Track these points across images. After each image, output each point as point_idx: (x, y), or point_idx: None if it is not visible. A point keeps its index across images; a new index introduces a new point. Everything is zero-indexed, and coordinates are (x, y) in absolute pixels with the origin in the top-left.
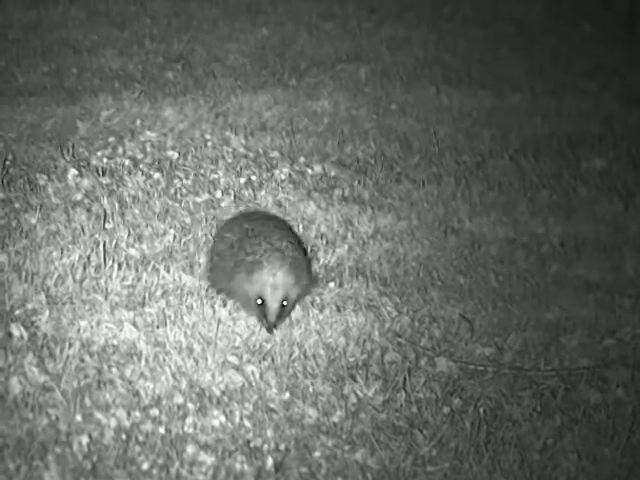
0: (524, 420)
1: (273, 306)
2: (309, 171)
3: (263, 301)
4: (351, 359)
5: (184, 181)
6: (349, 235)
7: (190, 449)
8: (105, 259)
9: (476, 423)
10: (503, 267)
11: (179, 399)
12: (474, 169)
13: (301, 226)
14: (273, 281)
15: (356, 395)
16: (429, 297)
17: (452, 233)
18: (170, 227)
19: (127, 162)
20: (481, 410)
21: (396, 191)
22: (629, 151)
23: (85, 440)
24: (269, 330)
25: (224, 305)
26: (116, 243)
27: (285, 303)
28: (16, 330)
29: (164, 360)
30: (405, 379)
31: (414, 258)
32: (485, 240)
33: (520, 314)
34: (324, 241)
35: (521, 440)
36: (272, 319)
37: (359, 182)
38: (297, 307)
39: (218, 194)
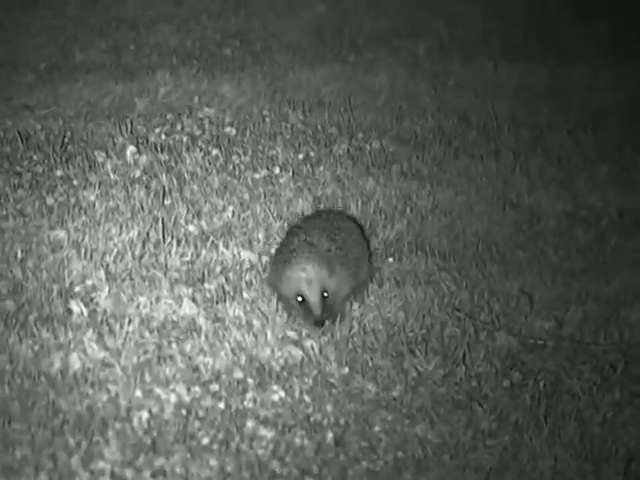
0: (584, 394)
1: (314, 299)
2: (367, 147)
3: (303, 297)
4: (410, 334)
5: (242, 157)
6: (408, 210)
7: (250, 424)
8: (164, 235)
9: (536, 397)
10: (562, 241)
11: (239, 374)
12: (532, 143)
13: (360, 202)
14: (305, 275)
15: (416, 369)
16: (488, 272)
17: (511, 208)
18: (228, 203)
19: (185, 139)
20: (541, 384)
21: (454, 166)
22: None
23: (145, 415)
24: (317, 324)
25: None
26: (175, 219)
27: (325, 294)
28: (76, 307)
29: (223, 336)
30: (464, 353)
31: (473, 233)
32: (544, 214)
33: (579, 288)
34: (383, 216)
35: (581, 413)
36: (317, 312)
37: (417, 157)
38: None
39: (276, 170)
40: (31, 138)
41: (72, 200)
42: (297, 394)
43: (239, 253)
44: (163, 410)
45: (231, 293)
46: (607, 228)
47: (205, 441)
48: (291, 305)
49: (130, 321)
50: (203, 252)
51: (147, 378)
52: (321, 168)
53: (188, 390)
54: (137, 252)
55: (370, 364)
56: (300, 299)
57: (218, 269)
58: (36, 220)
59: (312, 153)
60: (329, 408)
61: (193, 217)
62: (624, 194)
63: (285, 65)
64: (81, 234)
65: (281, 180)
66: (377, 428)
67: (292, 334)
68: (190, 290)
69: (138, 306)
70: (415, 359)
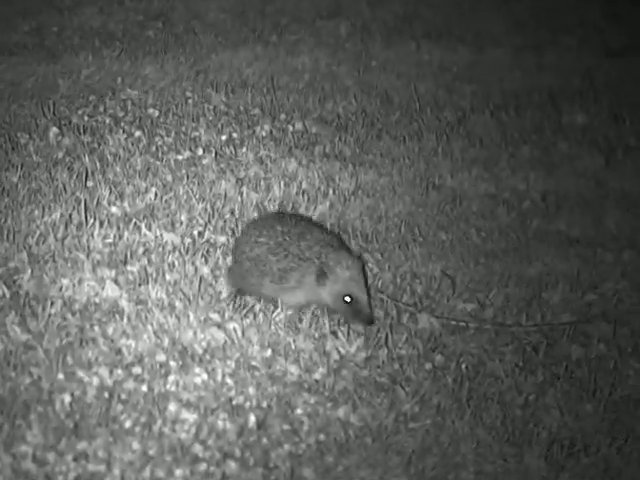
0: (506, 376)
1: (364, 297)
2: (290, 128)
3: (352, 298)
4: (333, 316)
5: (165, 139)
6: (330, 192)
7: (172, 407)
8: (87, 217)
9: (458, 379)
10: (485, 223)
11: (161, 357)
12: (455, 125)
13: (282, 183)
14: (351, 274)
15: (338, 352)
16: (411, 253)
17: (433, 189)
18: (151, 185)
19: (108, 120)
20: (463, 366)
21: (377, 147)
22: (610, 106)
23: (67, 399)
24: (371, 322)
25: (206, 262)
26: (98, 201)
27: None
28: None
29: (146, 318)
30: (387, 336)
31: (395, 214)
32: (466, 196)
33: (502, 270)
34: (305, 198)
35: (503, 396)
36: (368, 310)
37: (340, 139)
38: None
39: (199, 151)
40: None
41: None
42: (219, 377)
43: (162, 235)
44: (85, 393)
45: (154, 275)
46: (529, 210)
47: (127, 424)
48: (336, 307)
49: (52, 303)
50: (126, 234)
51: (69, 361)
52: (244, 149)
53: (110, 373)
54: (59, 234)
55: (293, 347)
56: (349, 299)
57: (141, 251)
58: None
59: (235, 134)
60: (251, 391)
61: (116, 199)
62: (546, 176)
63: (208, 47)
64: (3, 216)
65: (204, 161)
66: (299, 411)
67: (215, 316)
68: (113, 272)
69: (61, 288)
70: (337, 341)
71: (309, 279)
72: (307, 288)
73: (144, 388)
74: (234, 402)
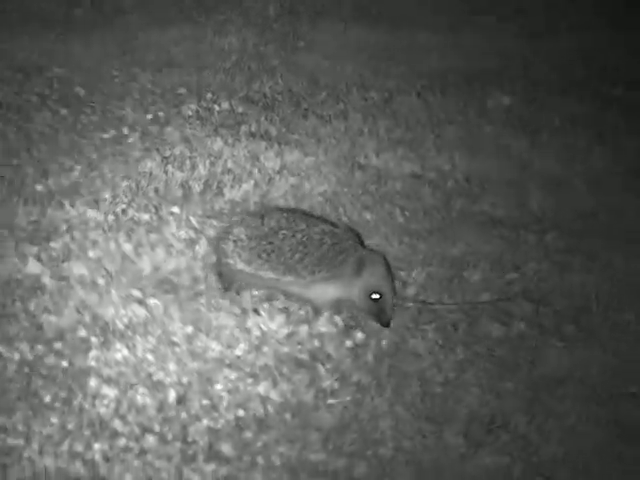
0: (427, 353)
1: (390, 298)
2: (216, 107)
3: (380, 295)
4: (255, 292)
5: (91, 117)
6: (255, 171)
7: (93, 382)
8: (11, 195)
9: (378, 356)
10: (409, 203)
11: (82, 333)
12: (381, 105)
13: (208, 162)
14: (385, 271)
15: (259, 328)
16: None
17: (358, 169)
18: (76, 163)
19: (34, 98)
20: (383, 343)
21: (303, 127)
22: (535, 87)
23: None
24: (388, 324)
25: (129, 240)
26: (22, 179)
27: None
28: None
29: (68, 294)
30: (308, 313)
31: (320, 194)
32: (391, 176)
33: (425, 249)
34: (230, 177)
35: (423, 373)
36: (391, 311)
37: (266, 118)
38: (203, 242)
39: (125, 130)
40: None
41: None
42: (140, 353)
43: (85, 212)
44: (6, 368)
45: (76, 252)
46: (453, 190)
47: (47, 399)
48: (360, 302)
49: None
50: (49, 211)
51: None
52: (169, 128)
53: (31, 348)
54: None
55: (214, 323)
56: (377, 296)
57: (64, 228)
58: None
59: (161, 113)
60: (172, 367)
61: (41, 176)
62: (471, 157)
63: (135, 26)
64: None
65: (129, 140)
66: (219, 387)
67: (136, 293)
68: (35, 249)
69: None
70: (259, 318)
71: (347, 268)
72: (342, 279)
73: (65, 363)
74: (154, 378)
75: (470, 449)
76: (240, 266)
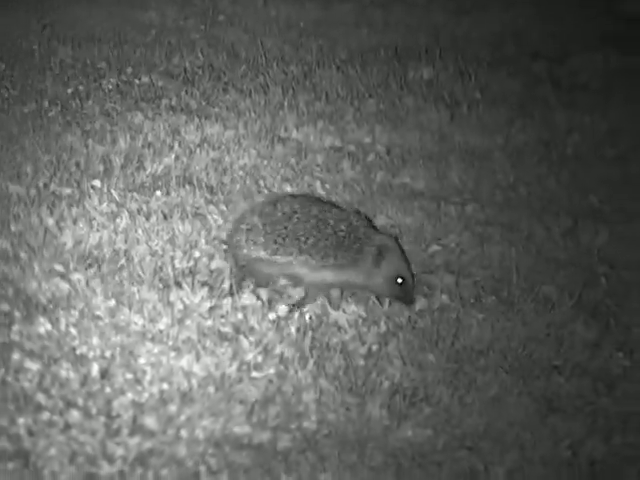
0: (349, 326)
1: (411, 278)
2: (136, 81)
3: (404, 280)
4: (177, 266)
5: (11, 91)
6: (176, 144)
7: (16, 356)
8: None
9: (301, 329)
10: (329, 176)
11: (5, 307)
12: (301, 79)
13: (128, 136)
14: (402, 256)
15: (182, 302)
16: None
17: (279, 142)
18: None
19: None
20: (307, 316)
21: (223, 101)
22: (455, 61)
23: None
24: (412, 302)
25: (51, 214)
26: None
27: None
28: None
29: None
30: (231, 286)
31: (241, 167)
32: (312, 149)
33: None
34: (151, 150)
35: (346, 346)
36: (414, 289)
37: (186, 92)
38: (125, 215)
39: (45, 104)
40: None
41: None
42: (63, 327)
43: (7, 186)
44: None
45: None
46: (374, 163)
47: None
48: (385, 289)
49: None
50: None
51: None
52: (90, 102)
53: None
54: None
55: (137, 297)
56: (401, 281)
57: None
58: None
59: (81, 87)
60: (95, 341)
61: None
62: (391, 130)
63: (55, 0)
64: None
65: (50, 114)
66: (142, 360)
67: (59, 267)
68: None
69: None
70: (182, 291)
71: (366, 259)
72: (360, 268)
73: None
74: (77, 351)
75: (393, 421)
76: (256, 254)
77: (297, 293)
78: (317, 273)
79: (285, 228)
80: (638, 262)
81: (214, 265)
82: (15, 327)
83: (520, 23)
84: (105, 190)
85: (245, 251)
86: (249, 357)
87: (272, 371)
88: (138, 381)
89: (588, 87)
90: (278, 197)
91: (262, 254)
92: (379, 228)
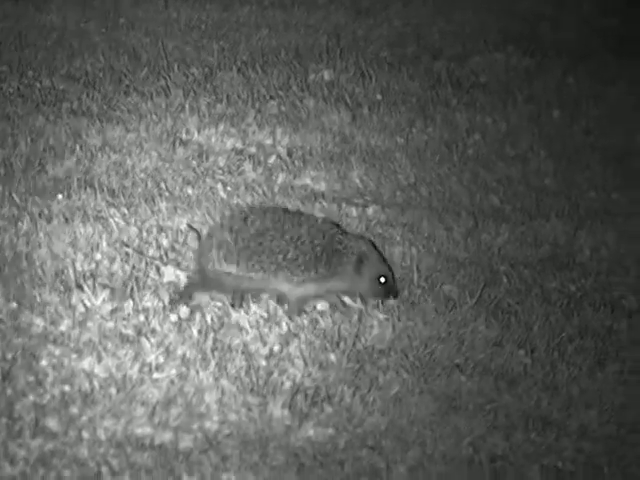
0: (251, 327)
1: (391, 274)
2: (37, 85)
3: (386, 279)
4: (79, 269)
5: None
6: (77, 148)
7: None
8: None
9: (203, 330)
10: (231, 178)
11: None
12: (202, 81)
13: (29, 139)
14: (378, 256)
15: (84, 304)
16: (157, 208)
17: (180, 145)
18: None
19: None
20: (208, 317)
21: (124, 104)
22: (357, 63)
23: None
24: (396, 295)
25: None
26: None
27: None
28: None
29: None
30: (133, 288)
31: (142, 170)
32: (213, 151)
33: None
34: (52, 154)
35: (247, 346)
36: (396, 284)
37: (88, 95)
38: (26, 219)
39: None
40: None
41: None
42: None
43: None
44: None
45: None
46: (275, 165)
47: None
48: (369, 291)
49: None
50: None
51: None
52: None
53: None
54: None
55: (38, 299)
56: (383, 280)
57: None
58: None
59: None
60: None
61: None
62: (292, 131)
63: None
64: None
65: None
66: (44, 362)
67: None
68: None
69: None
70: (83, 294)
71: (347, 268)
72: (343, 277)
73: None
74: None
75: (295, 421)
76: (228, 269)
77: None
78: (300, 287)
79: (260, 244)
80: (538, 261)
81: (115, 267)
82: None
83: (420, 23)
84: (6, 193)
85: (216, 266)
86: (151, 358)
87: (174, 372)
88: (40, 383)
89: (489, 87)
90: (246, 212)
91: (235, 270)
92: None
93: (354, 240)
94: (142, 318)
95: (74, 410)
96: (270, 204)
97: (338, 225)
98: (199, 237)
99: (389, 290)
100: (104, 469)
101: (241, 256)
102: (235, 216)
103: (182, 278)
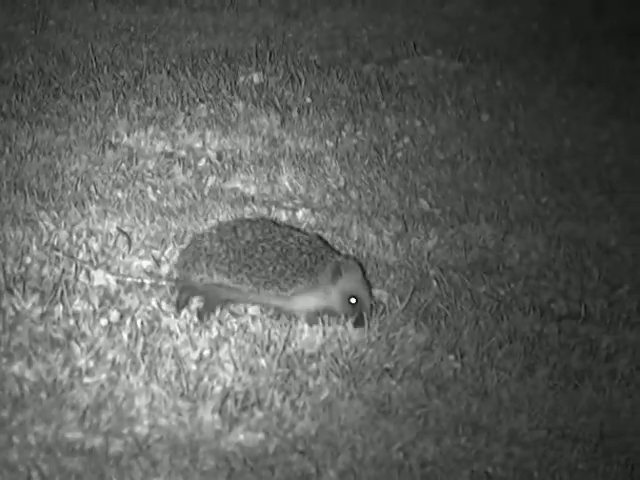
0: (181, 331)
1: (368, 302)
2: None
3: (357, 300)
4: (9, 273)
5: None
6: (7, 150)
7: None
8: None
9: (133, 335)
10: (161, 181)
11: None
12: (132, 84)
13: None
14: (359, 277)
15: (13, 308)
16: (87, 211)
17: (110, 147)
18: None
19: None
20: (138, 322)
21: (54, 106)
22: (286, 66)
23: None
24: (364, 325)
25: None
26: None
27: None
28: None
29: None
30: (62, 292)
31: (72, 173)
32: (143, 154)
33: (177, 227)
34: None
35: (178, 351)
36: (369, 314)
37: (17, 98)
38: None
39: None
40: None
41: None
42: None
43: None
44: None
45: None
46: (205, 168)
47: None
48: (340, 307)
49: None
50: None
51: None
52: None
53: None
54: None
55: None
56: (354, 301)
57: None
58: None
59: None
60: None
61: None
62: (222, 135)
63: None
64: None
65: None
66: None
67: None
68: None
69: None
70: (13, 298)
71: (324, 276)
72: (320, 287)
73: None
74: None
75: (225, 426)
76: (218, 280)
77: None
78: (290, 302)
79: (251, 257)
80: (468, 265)
81: (45, 271)
82: None
83: (350, 26)
84: None
85: (206, 276)
86: (81, 363)
87: (104, 376)
88: None
89: (418, 90)
90: (236, 222)
91: (226, 281)
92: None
93: (341, 255)
94: (72, 322)
95: (4, 414)
96: (200, 207)
97: (326, 241)
98: (129, 241)
99: (359, 315)
100: (34, 474)
101: (232, 268)
102: (223, 227)
103: (112, 282)
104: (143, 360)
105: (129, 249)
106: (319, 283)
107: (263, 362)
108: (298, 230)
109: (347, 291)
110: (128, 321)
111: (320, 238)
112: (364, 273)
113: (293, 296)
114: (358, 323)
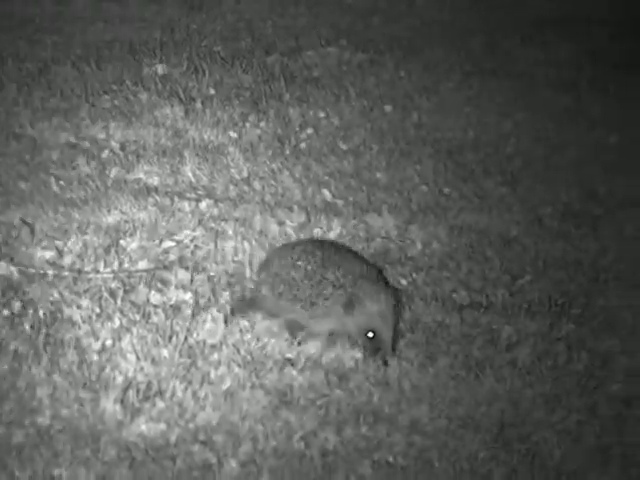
0: (83, 322)
1: (388, 336)
2: None
3: (375, 333)
4: None
5: None
6: None
7: None
8: None
9: (35, 325)
10: (64, 172)
11: None
12: (36, 75)
13: None
14: (379, 309)
15: None
16: None
17: (14, 139)
18: None
19: None
20: (41, 313)
21: None
22: (190, 57)
23: None
24: (386, 363)
25: None
26: None
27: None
28: None
29: None
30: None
31: None
32: (47, 145)
33: (81, 218)
34: None
35: (80, 341)
36: (390, 350)
37: None
38: None
39: None
40: None
41: None
42: None
43: None
44: None
45: None
46: (108, 159)
47: None
48: (358, 339)
49: None
50: None
51: None
52: None
53: None
54: None
55: None
56: (371, 335)
57: None
58: None
59: None
60: None
61: None
62: (126, 126)
63: None
64: None
65: None
66: None
67: None
68: None
69: None
70: None
71: (337, 307)
72: (335, 316)
73: None
74: None
75: (127, 416)
76: (284, 303)
77: None
78: (310, 322)
79: (320, 282)
80: (370, 255)
81: None
82: None
83: (254, 18)
84: None
85: (279, 299)
86: None
87: (6, 367)
88: None
89: (322, 82)
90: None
91: (298, 308)
92: (112, 223)
93: (363, 284)
94: None
95: None
96: (103, 198)
97: (380, 274)
98: (32, 231)
99: (378, 350)
100: None
101: (306, 299)
102: (289, 250)
103: (15, 273)
104: (45, 351)
105: (32, 240)
106: (333, 311)
107: (165, 352)
108: (356, 257)
109: (364, 324)
110: (30, 312)
111: (377, 271)
112: (390, 305)
113: (312, 318)
114: (379, 359)
